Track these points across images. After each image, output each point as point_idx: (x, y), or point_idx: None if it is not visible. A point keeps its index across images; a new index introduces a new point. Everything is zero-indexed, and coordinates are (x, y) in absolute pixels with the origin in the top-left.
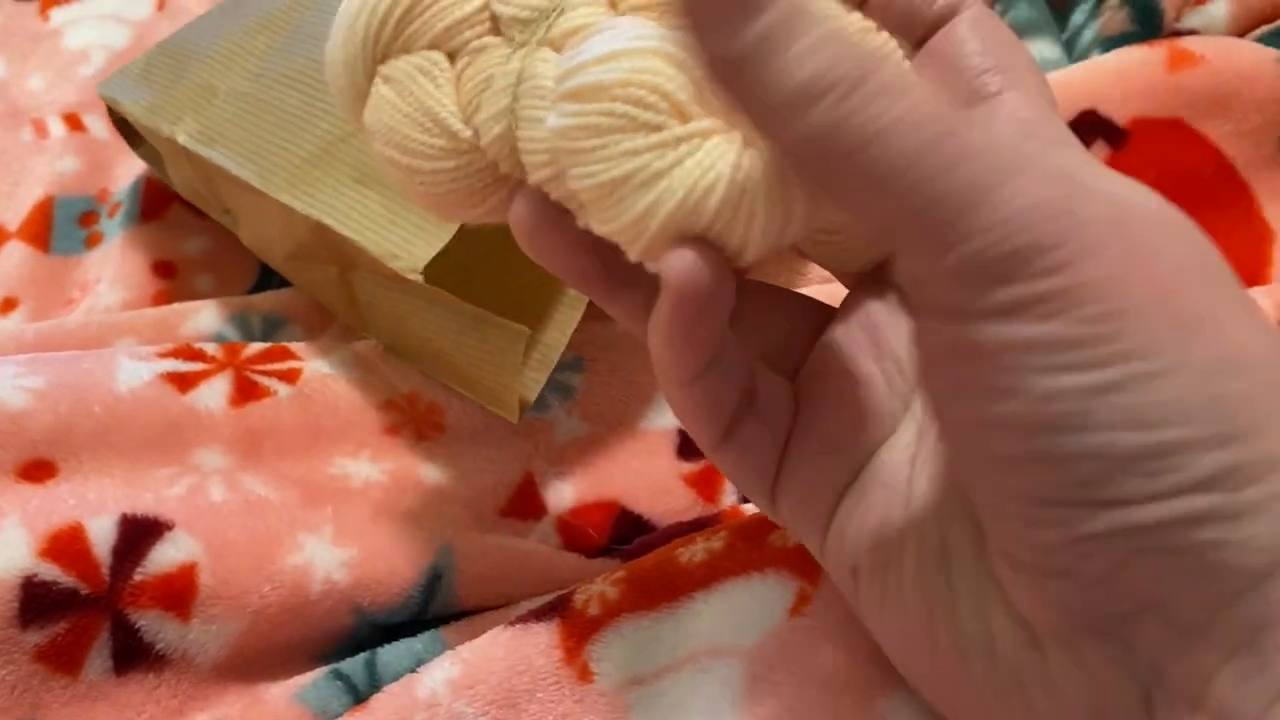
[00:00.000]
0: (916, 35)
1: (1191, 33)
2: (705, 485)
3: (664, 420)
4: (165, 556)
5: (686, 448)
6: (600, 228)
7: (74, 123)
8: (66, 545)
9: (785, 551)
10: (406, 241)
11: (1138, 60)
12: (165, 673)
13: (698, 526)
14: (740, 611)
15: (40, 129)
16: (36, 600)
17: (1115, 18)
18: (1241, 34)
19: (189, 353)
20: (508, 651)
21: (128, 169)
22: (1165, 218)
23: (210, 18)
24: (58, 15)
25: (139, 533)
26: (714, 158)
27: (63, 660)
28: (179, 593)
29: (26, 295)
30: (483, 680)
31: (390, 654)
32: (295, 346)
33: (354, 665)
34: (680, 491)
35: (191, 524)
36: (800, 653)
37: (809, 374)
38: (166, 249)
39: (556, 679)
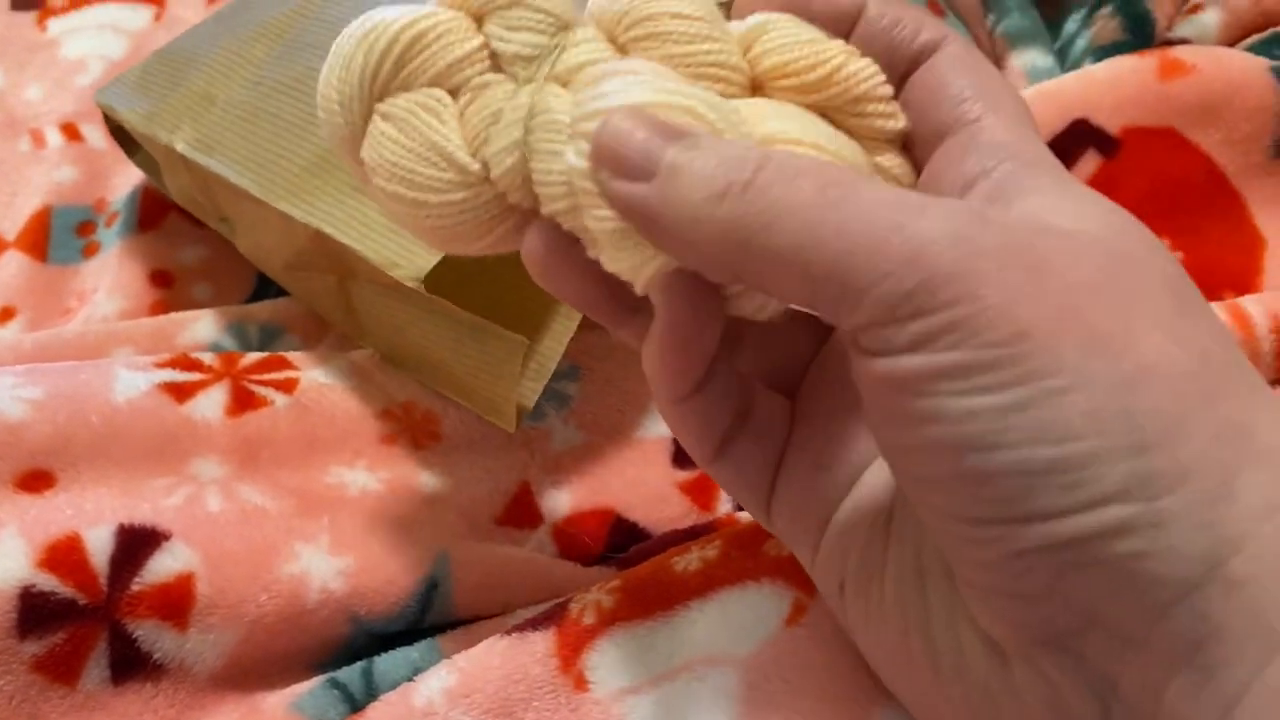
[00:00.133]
0: (899, 70)
1: (1183, 41)
2: (700, 493)
3: (659, 429)
4: (163, 566)
5: (682, 456)
6: (611, 265)
7: (71, 132)
8: (64, 555)
9: (780, 561)
10: (406, 250)
11: (1129, 70)
12: (163, 682)
13: (693, 535)
14: (736, 620)
15: (38, 139)
16: (34, 610)
17: (1107, 26)
18: (1232, 43)
19: (186, 363)
20: (504, 660)
21: (125, 178)
22: (1080, 241)
23: (207, 26)
24: (55, 25)
25: (136, 543)
26: None
27: (60, 670)
28: (176, 602)
29: (24, 305)
30: (479, 689)
31: (387, 663)
32: (292, 356)
33: (351, 674)
34: (675, 500)
35: (189, 534)
36: (796, 662)
37: (805, 392)
38: (164, 258)
39: (553, 687)
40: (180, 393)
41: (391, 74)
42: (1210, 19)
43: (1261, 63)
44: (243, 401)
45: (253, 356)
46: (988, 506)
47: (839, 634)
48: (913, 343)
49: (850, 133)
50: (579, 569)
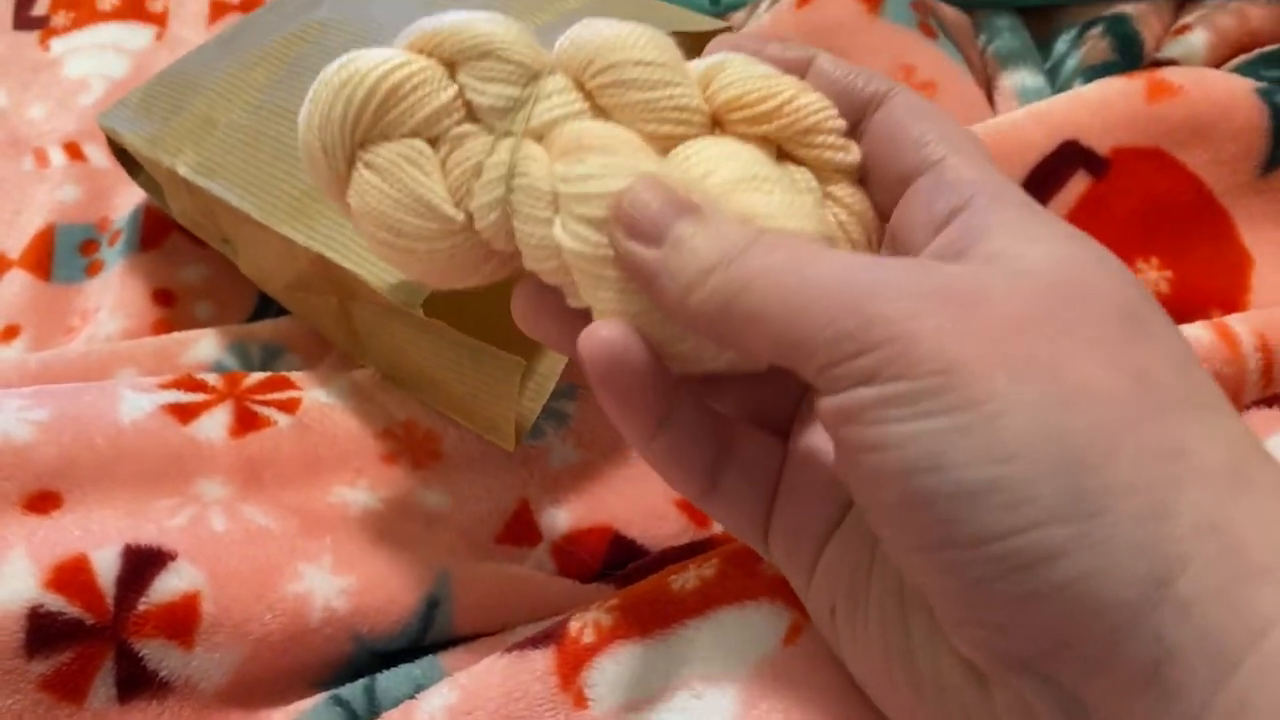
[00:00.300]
0: (853, 118)
1: (1171, 62)
2: (697, 511)
3: None
4: (168, 586)
5: None
6: (596, 315)
7: (74, 152)
8: (71, 576)
9: (778, 581)
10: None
11: (1117, 91)
12: (169, 700)
13: (690, 551)
14: (734, 639)
15: (41, 158)
16: (42, 630)
17: (1097, 47)
18: (1219, 63)
19: (190, 383)
20: (504, 678)
21: (128, 198)
22: (1022, 277)
23: (208, 49)
24: (58, 45)
25: (142, 563)
26: None
27: (68, 689)
28: (182, 621)
29: (28, 323)
30: (480, 706)
31: (389, 680)
32: (295, 376)
33: (354, 691)
34: (673, 517)
35: (194, 554)
36: (794, 681)
37: (796, 430)
38: (166, 277)
39: (553, 705)
40: (184, 413)
41: (371, 123)
42: (1198, 40)
43: (1247, 84)
44: (246, 422)
45: (255, 377)
46: (936, 530)
47: (835, 655)
48: (859, 378)
49: (804, 164)
50: (578, 586)
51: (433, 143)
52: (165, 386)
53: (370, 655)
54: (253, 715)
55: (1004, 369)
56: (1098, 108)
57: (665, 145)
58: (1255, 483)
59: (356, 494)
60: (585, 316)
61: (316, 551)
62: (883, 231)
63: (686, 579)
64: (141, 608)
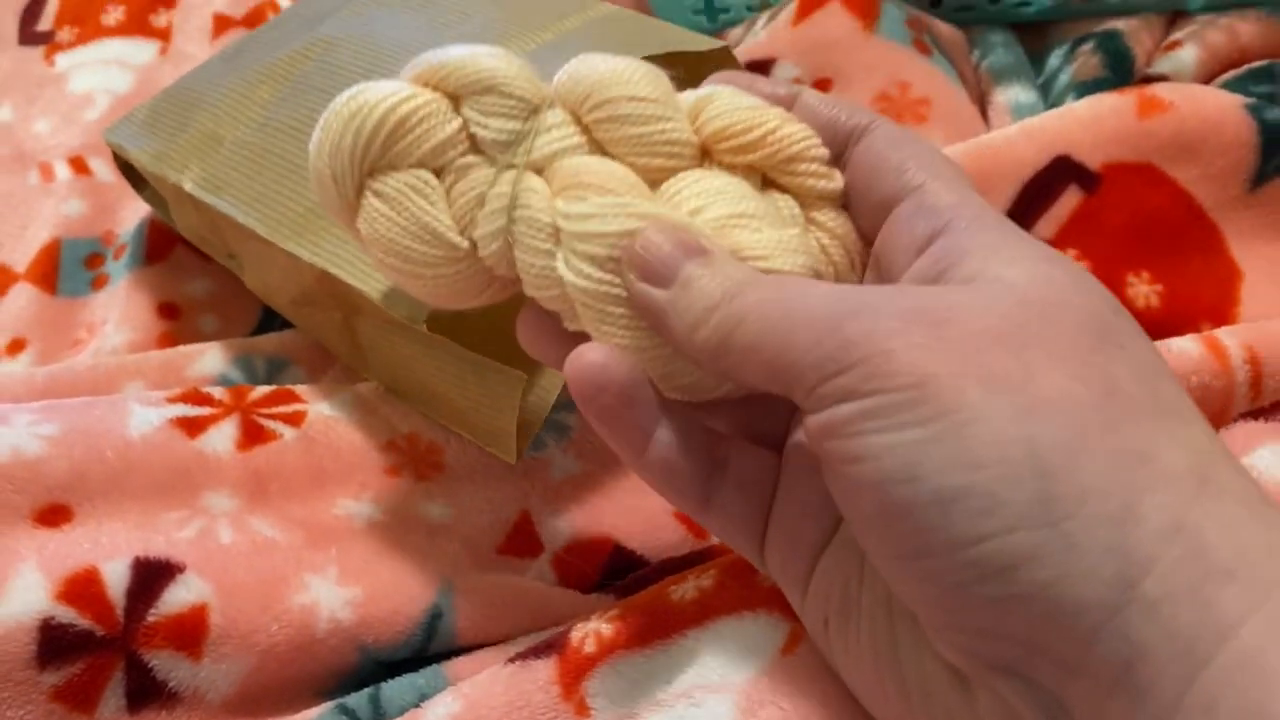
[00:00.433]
0: (836, 149)
1: (1161, 78)
2: (696, 522)
3: None
4: (177, 598)
5: None
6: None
7: (79, 166)
8: (82, 588)
9: (775, 591)
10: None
11: (1109, 107)
12: (177, 710)
13: (689, 562)
14: (732, 649)
15: (46, 172)
16: (54, 642)
17: (1089, 63)
18: (1209, 79)
19: (197, 397)
20: (507, 687)
21: (133, 212)
22: (993, 295)
23: (212, 66)
24: (62, 60)
25: (151, 575)
26: None
27: (79, 700)
28: (190, 633)
29: (34, 336)
30: (484, 715)
31: (394, 689)
32: (300, 389)
33: (359, 700)
34: (672, 528)
35: (202, 566)
36: (791, 689)
37: (790, 446)
38: (171, 290)
39: (555, 713)
40: (192, 427)
41: (380, 154)
42: (1188, 56)
43: (1236, 99)
44: (252, 435)
45: (261, 390)
46: (914, 538)
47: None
48: (840, 395)
49: (788, 191)
50: (578, 597)
51: (438, 173)
52: (173, 400)
53: (375, 665)
54: None
55: (975, 380)
56: (1089, 123)
57: (658, 177)
58: (1219, 487)
59: (361, 506)
60: (584, 339)
61: (322, 563)
62: (867, 255)
63: (685, 590)
64: (151, 619)
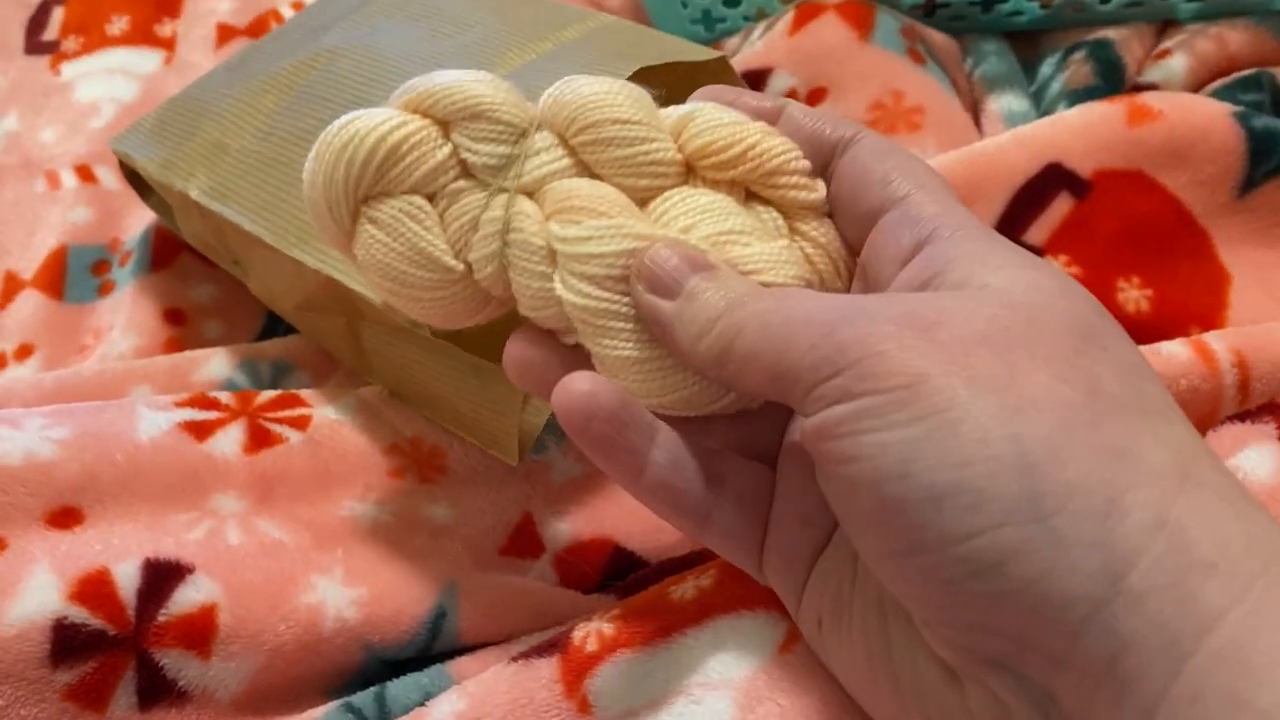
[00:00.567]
0: (821, 161)
1: (1152, 86)
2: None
3: None
4: (187, 598)
5: None
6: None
7: (85, 174)
8: (94, 589)
9: (773, 590)
10: None
11: (1099, 115)
12: (187, 708)
13: (689, 563)
14: (731, 647)
15: (53, 180)
16: (66, 641)
17: (1080, 71)
18: (1198, 87)
19: (205, 402)
20: (511, 686)
21: (138, 219)
22: (979, 300)
23: (218, 75)
24: (69, 69)
25: (162, 576)
26: None
27: (91, 698)
28: (200, 632)
29: (41, 342)
30: (488, 713)
31: (399, 688)
32: (305, 394)
33: (365, 699)
34: (671, 529)
35: (211, 567)
36: (789, 686)
37: (784, 458)
38: (176, 297)
39: (558, 711)
40: (200, 431)
41: (373, 182)
42: (1178, 64)
43: (1224, 108)
44: (259, 439)
45: (267, 395)
46: (906, 535)
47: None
48: (834, 397)
49: (771, 203)
50: (579, 597)
51: (431, 198)
52: (181, 405)
53: (380, 664)
54: None
55: (963, 379)
56: (1080, 131)
57: (645, 196)
58: (1200, 483)
59: (366, 508)
60: (573, 364)
61: (328, 563)
62: (854, 265)
63: (685, 589)
64: (161, 619)
